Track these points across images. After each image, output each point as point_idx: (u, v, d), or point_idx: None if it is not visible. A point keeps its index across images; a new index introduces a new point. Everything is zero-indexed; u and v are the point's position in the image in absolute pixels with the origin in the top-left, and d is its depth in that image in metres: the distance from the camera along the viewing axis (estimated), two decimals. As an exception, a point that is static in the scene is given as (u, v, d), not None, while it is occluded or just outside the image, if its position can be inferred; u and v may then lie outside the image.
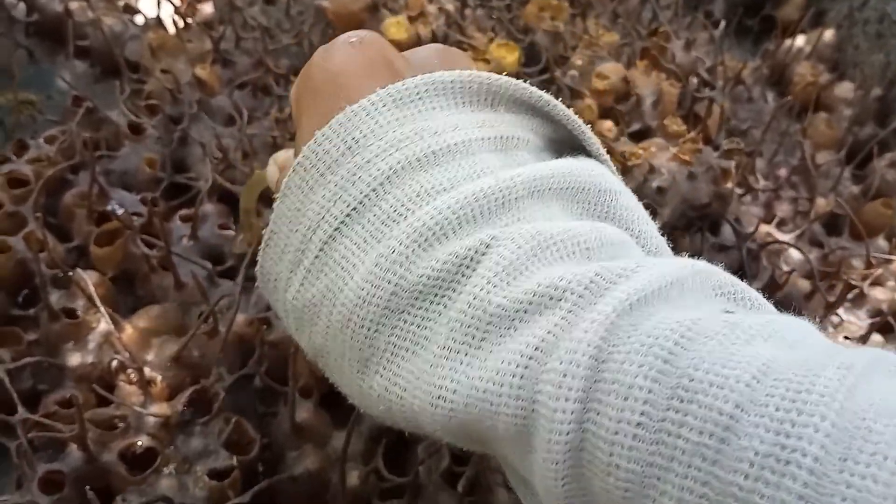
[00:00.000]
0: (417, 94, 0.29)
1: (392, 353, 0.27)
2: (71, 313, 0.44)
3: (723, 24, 0.68)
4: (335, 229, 0.28)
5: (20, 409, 0.39)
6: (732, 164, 0.52)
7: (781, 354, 0.21)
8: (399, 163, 0.27)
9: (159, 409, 0.40)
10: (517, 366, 0.24)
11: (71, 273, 0.43)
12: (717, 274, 0.26)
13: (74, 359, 0.42)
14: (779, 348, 0.22)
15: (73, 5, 0.63)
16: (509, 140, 0.30)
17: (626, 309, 0.23)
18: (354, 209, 0.28)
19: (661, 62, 0.61)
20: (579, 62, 0.58)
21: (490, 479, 0.39)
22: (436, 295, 0.26)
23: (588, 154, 0.32)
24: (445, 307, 0.26)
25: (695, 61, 0.65)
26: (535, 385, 0.23)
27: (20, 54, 0.63)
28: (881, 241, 0.59)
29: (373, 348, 0.28)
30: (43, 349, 0.43)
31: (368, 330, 0.27)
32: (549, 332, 0.24)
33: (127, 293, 0.48)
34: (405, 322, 0.27)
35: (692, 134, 0.54)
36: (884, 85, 0.70)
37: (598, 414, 0.22)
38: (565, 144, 0.32)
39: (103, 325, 0.43)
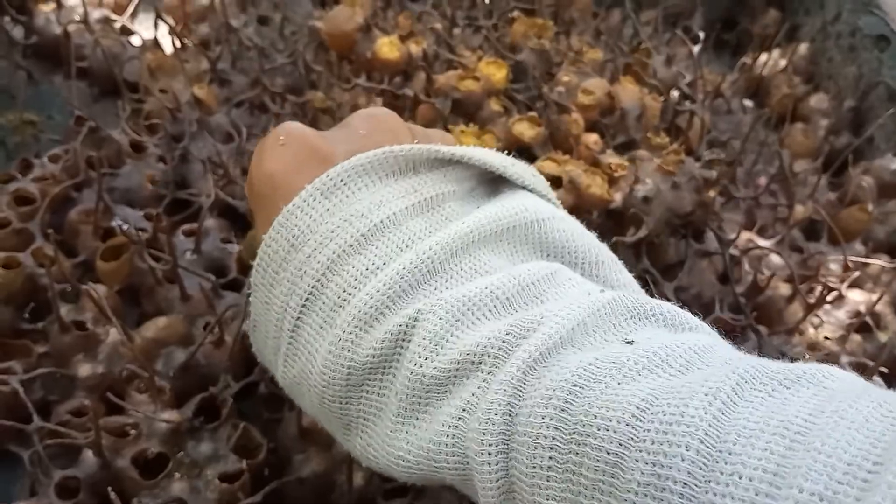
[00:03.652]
0: (342, 181, 0.31)
1: (364, 419, 0.31)
2: (80, 325, 0.45)
3: (701, 39, 0.71)
4: (297, 318, 0.31)
5: (35, 418, 0.40)
6: (714, 174, 0.54)
7: (661, 385, 0.24)
8: (335, 252, 0.30)
9: (169, 416, 0.42)
10: (449, 427, 0.28)
11: (85, 287, 0.45)
12: (625, 300, 0.29)
13: (85, 369, 0.44)
14: (663, 377, 0.25)
15: (71, 27, 0.65)
16: (434, 199, 0.32)
17: (530, 365, 0.26)
18: (307, 300, 0.31)
19: (643, 77, 0.63)
20: (566, 78, 0.60)
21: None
22: (384, 369, 0.30)
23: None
24: (393, 377, 0.30)
25: (675, 76, 0.67)
26: (464, 443, 0.27)
27: (19, 75, 0.64)
28: (858, 245, 0.61)
29: (348, 416, 0.31)
30: (53, 360, 0.45)
31: (340, 404, 0.31)
32: (472, 394, 0.27)
33: (132, 306, 0.49)
34: (367, 392, 0.30)
35: (675, 146, 0.56)
36: (857, 96, 0.73)
37: (517, 461, 0.26)
38: (497, 175, 0.35)
39: (112, 336, 0.45)
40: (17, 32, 0.66)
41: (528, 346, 0.27)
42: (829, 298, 0.54)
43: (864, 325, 0.54)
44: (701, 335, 0.29)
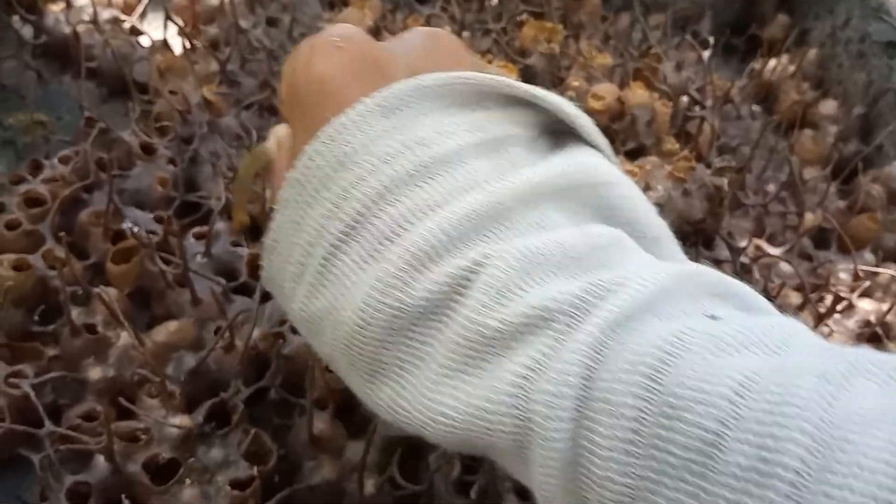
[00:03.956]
0: (404, 101, 0.28)
1: (399, 368, 0.28)
2: (91, 329, 0.45)
3: (711, 44, 0.71)
4: (334, 246, 0.28)
5: (47, 422, 0.40)
6: (725, 181, 0.54)
7: (762, 364, 0.22)
8: (391, 179, 0.27)
9: (180, 421, 0.41)
10: (512, 386, 0.25)
11: (97, 290, 0.45)
12: (705, 275, 0.27)
13: (95, 373, 0.44)
14: (760, 356, 0.23)
15: (81, 28, 0.65)
16: (500, 140, 0.30)
17: (611, 327, 0.24)
18: (351, 227, 0.28)
19: (653, 82, 0.63)
20: (576, 83, 0.60)
21: (500, 486, 0.41)
22: (434, 314, 0.27)
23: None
24: (445, 326, 0.27)
25: (685, 81, 0.67)
26: (528, 404, 0.24)
27: (29, 75, 0.64)
28: (868, 254, 0.61)
29: (379, 363, 0.28)
30: (63, 364, 0.44)
31: (374, 348, 0.28)
32: (542, 354, 0.25)
33: (142, 309, 0.49)
34: (409, 339, 0.27)
35: (685, 152, 0.56)
36: (866, 103, 0.73)
37: (590, 431, 0.23)
38: (563, 127, 0.32)
39: (123, 339, 0.44)
40: (27, 32, 0.66)
41: (610, 306, 0.24)
42: (839, 308, 0.54)
43: (873, 335, 0.54)
44: (785, 318, 0.26)
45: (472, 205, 0.27)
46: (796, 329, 0.25)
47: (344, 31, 0.30)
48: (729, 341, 0.23)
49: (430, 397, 0.27)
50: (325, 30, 0.30)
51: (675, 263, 0.28)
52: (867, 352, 0.23)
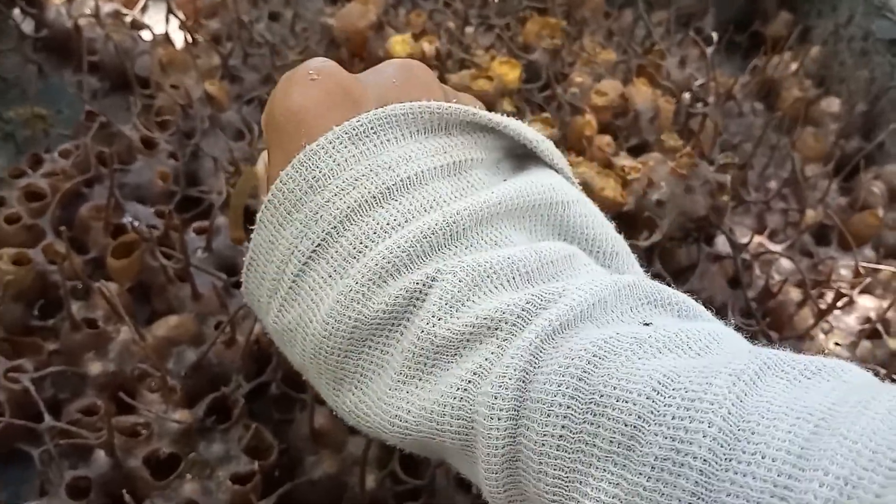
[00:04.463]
0: (372, 128, 0.30)
1: (361, 376, 0.30)
2: (91, 323, 0.45)
3: (715, 40, 0.70)
4: (304, 263, 0.30)
5: (47, 417, 0.40)
6: (728, 178, 0.54)
7: (682, 364, 0.24)
8: (356, 201, 0.29)
9: (181, 416, 0.41)
10: (458, 389, 0.27)
11: (98, 284, 0.44)
12: (644, 286, 0.29)
13: (95, 368, 0.44)
14: (683, 357, 0.25)
15: (82, 21, 0.65)
16: (462, 164, 0.32)
17: (549, 334, 0.26)
18: (319, 245, 0.30)
19: (657, 79, 0.63)
20: (579, 79, 0.60)
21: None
22: (392, 326, 0.29)
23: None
24: (401, 335, 0.29)
25: (688, 78, 0.67)
26: (472, 406, 0.26)
27: (30, 69, 0.64)
28: (868, 251, 0.61)
29: (344, 371, 0.30)
30: (63, 358, 0.44)
31: (338, 357, 0.30)
32: (485, 359, 0.27)
33: (142, 304, 0.49)
34: (369, 349, 0.29)
35: (688, 149, 0.56)
36: (868, 100, 0.72)
37: (527, 429, 0.25)
38: (525, 150, 0.34)
39: (123, 334, 0.44)
40: (28, 26, 0.66)
41: (549, 315, 0.26)
42: (839, 304, 0.54)
43: (874, 331, 0.54)
44: (717, 324, 0.29)
45: (430, 224, 0.29)
46: (724, 334, 0.27)
47: (320, 65, 0.32)
48: (653, 344, 0.25)
49: (388, 402, 0.29)
50: (304, 63, 0.32)
51: (617, 276, 0.29)
52: (786, 354, 0.25)
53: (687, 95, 0.65)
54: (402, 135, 0.31)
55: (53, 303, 0.47)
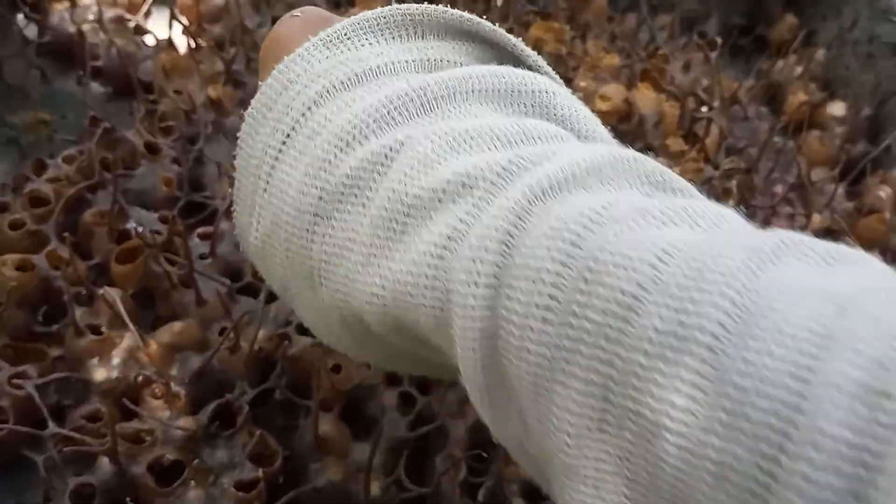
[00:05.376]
0: (346, 34, 0.30)
1: (326, 262, 0.28)
2: (95, 329, 0.45)
3: (719, 44, 0.70)
4: (275, 159, 0.29)
5: (50, 423, 0.40)
6: (734, 183, 0.54)
7: (690, 236, 0.21)
8: (324, 87, 0.29)
9: (185, 422, 0.41)
10: (431, 256, 0.24)
11: (102, 290, 0.44)
12: (643, 162, 0.25)
13: (99, 374, 0.43)
14: (689, 231, 0.22)
15: (85, 27, 0.64)
16: (438, 62, 0.30)
17: (537, 194, 0.23)
18: (288, 135, 0.29)
19: (661, 83, 0.63)
20: (583, 84, 0.60)
21: (507, 489, 0.41)
22: (356, 195, 0.27)
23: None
24: (366, 206, 0.27)
25: (693, 82, 0.67)
26: (449, 274, 0.24)
27: (33, 74, 0.64)
28: (876, 256, 0.60)
29: (312, 260, 0.29)
30: (67, 365, 0.44)
31: (305, 241, 0.28)
32: (460, 221, 0.24)
33: (146, 310, 0.49)
34: (332, 228, 0.28)
35: (692, 153, 0.56)
36: (874, 104, 0.72)
37: (509, 299, 0.22)
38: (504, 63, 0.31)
39: (127, 340, 0.44)
40: (31, 31, 0.66)
41: (537, 174, 0.23)
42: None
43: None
44: (726, 209, 0.25)
45: (398, 91, 0.27)
46: (734, 216, 0.24)
47: (305, 7, 0.33)
48: (657, 215, 0.22)
49: (361, 280, 0.27)
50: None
51: (617, 147, 0.26)
52: (806, 237, 0.22)
53: (692, 100, 0.65)
54: (377, 40, 0.30)
55: (57, 309, 0.47)
